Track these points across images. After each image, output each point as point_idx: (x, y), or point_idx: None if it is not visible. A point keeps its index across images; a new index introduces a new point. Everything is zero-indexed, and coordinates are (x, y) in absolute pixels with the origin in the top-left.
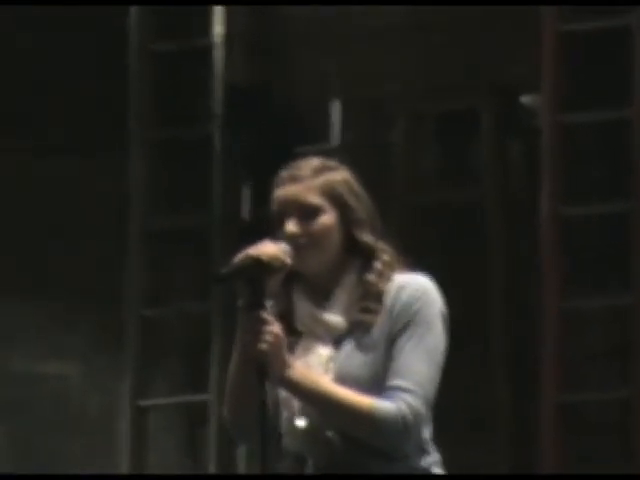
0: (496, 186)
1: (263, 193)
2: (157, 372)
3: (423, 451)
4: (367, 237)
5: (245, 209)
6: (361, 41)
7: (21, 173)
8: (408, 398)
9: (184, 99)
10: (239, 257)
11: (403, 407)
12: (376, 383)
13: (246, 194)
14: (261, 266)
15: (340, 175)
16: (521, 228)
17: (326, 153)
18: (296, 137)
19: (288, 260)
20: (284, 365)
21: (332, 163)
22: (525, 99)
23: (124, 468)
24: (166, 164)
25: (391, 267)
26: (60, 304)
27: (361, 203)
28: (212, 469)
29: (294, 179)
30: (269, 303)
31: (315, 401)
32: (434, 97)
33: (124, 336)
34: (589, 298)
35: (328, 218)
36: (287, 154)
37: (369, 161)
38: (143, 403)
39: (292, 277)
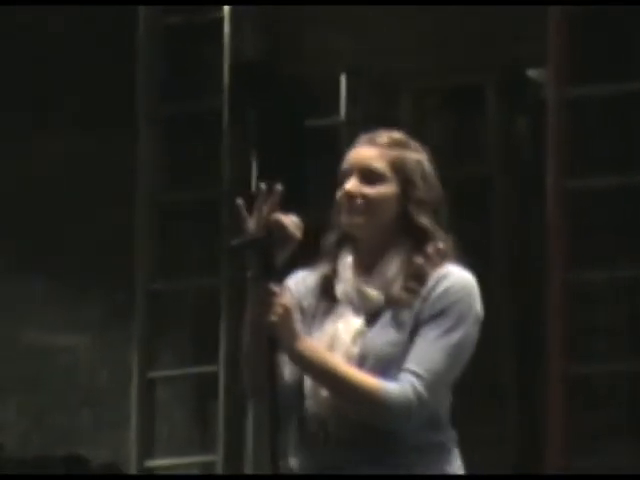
0: (502, 160)
1: (272, 166)
2: (166, 344)
3: (439, 426)
4: (424, 219)
5: (254, 181)
6: (368, 16)
7: (31, 146)
8: (415, 383)
9: (193, 72)
10: (250, 229)
11: (409, 391)
12: (397, 363)
13: (254, 166)
14: (271, 238)
15: (416, 155)
16: (528, 202)
17: (333, 127)
18: (304, 111)
19: (298, 233)
20: (293, 337)
21: (414, 143)
22: (531, 73)
23: (133, 439)
24: (175, 138)
25: (442, 255)
26: (70, 278)
27: (427, 186)
28: (221, 440)
29: (371, 143)
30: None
31: (320, 375)
32: (441, 72)
33: (133, 309)
34: (595, 271)
35: (388, 188)
36: (295, 128)
37: None
38: (152, 375)
39: (342, 241)
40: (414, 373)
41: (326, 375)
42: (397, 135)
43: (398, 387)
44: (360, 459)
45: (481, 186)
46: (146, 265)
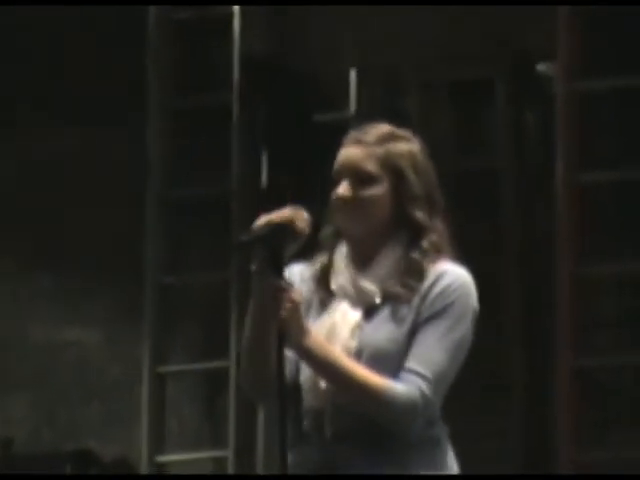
0: (511, 154)
1: (281, 161)
2: (176, 339)
3: (433, 422)
4: (418, 214)
5: (263, 177)
6: (377, 9)
7: (40, 142)
8: (422, 385)
9: (202, 68)
10: (259, 224)
11: (415, 392)
12: (395, 360)
13: (264, 162)
14: (281, 233)
15: (406, 146)
16: (536, 195)
17: (342, 122)
18: (313, 105)
19: (307, 229)
20: (301, 332)
21: (403, 132)
22: (541, 67)
23: (143, 435)
24: (184, 133)
25: (437, 248)
26: (79, 272)
27: (420, 178)
28: (231, 435)
29: (358, 142)
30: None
31: (328, 372)
32: (450, 65)
33: (143, 303)
34: (604, 265)
35: (380, 189)
36: (304, 122)
37: None
38: (162, 370)
39: (339, 235)
40: (419, 374)
41: (334, 372)
42: (384, 129)
43: (405, 388)
44: (355, 454)
45: (490, 179)
46: (156, 260)
